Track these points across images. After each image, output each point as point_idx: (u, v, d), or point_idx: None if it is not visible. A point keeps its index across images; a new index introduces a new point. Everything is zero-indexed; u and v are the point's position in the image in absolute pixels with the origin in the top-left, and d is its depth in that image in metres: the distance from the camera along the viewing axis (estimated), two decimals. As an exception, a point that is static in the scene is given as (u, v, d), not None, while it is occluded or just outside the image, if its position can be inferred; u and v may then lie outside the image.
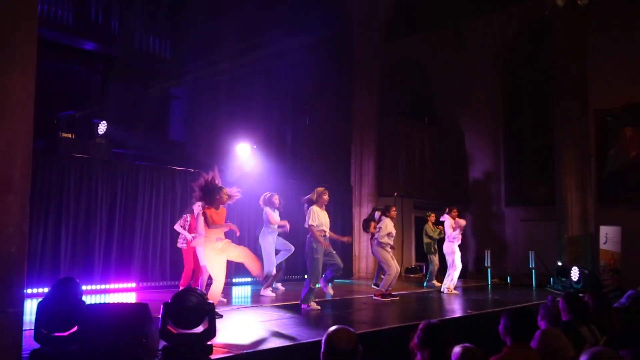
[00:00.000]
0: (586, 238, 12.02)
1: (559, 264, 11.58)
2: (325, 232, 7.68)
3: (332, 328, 2.95)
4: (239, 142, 12.20)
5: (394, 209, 9.76)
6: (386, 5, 15.14)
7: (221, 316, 6.44)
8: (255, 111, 15.83)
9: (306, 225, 7.64)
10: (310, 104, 16.90)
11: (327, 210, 7.95)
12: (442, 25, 18.01)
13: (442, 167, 16.51)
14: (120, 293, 9.51)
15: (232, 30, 16.50)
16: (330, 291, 8.69)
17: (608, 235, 11.60)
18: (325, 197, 7.87)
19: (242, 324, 6.22)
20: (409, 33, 18.46)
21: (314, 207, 7.70)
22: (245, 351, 4.51)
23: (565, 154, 12.33)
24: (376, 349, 5.08)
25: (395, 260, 9.30)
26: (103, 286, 9.41)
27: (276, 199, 9.56)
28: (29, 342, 4.19)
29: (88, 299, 7.33)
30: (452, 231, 10.49)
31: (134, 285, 9.91)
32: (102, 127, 10.25)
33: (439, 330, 3.24)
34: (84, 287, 8.97)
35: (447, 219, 10.67)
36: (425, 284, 11.84)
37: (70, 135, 9.95)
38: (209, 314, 4.32)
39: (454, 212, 10.68)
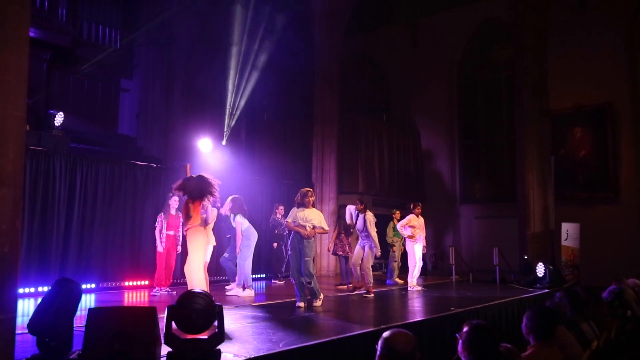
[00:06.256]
0: (548, 234, 12.28)
1: (525, 259, 11.78)
2: None
3: (389, 331, 2.78)
4: (194, 137, 11.74)
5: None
6: (346, 1, 15.01)
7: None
8: (211, 106, 15.42)
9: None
10: (269, 99, 16.59)
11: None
12: (396, 23, 18.10)
13: (399, 164, 16.55)
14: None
15: (186, 22, 16.02)
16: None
17: (569, 232, 11.89)
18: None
19: (239, 325, 5.88)
20: (366, 30, 18.44)
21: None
22: (253, 355, 4.23)
23: (528, 151, 12.53)
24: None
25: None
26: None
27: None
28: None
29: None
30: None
31: (93, 285, 9.40)
32: (59, 119, 9.62)
33: (489, 331, 3.10)
34: (39, 289, 8.53)
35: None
36: (387, 282, 11.80)
37: (23, 127, 9.27)
38: (217, 317, 4.02)
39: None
